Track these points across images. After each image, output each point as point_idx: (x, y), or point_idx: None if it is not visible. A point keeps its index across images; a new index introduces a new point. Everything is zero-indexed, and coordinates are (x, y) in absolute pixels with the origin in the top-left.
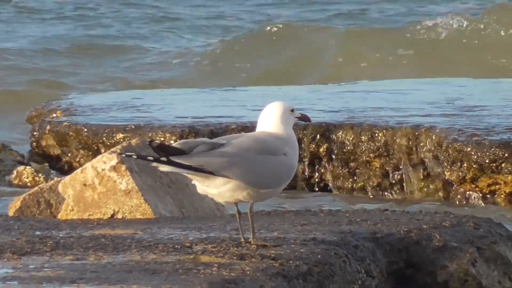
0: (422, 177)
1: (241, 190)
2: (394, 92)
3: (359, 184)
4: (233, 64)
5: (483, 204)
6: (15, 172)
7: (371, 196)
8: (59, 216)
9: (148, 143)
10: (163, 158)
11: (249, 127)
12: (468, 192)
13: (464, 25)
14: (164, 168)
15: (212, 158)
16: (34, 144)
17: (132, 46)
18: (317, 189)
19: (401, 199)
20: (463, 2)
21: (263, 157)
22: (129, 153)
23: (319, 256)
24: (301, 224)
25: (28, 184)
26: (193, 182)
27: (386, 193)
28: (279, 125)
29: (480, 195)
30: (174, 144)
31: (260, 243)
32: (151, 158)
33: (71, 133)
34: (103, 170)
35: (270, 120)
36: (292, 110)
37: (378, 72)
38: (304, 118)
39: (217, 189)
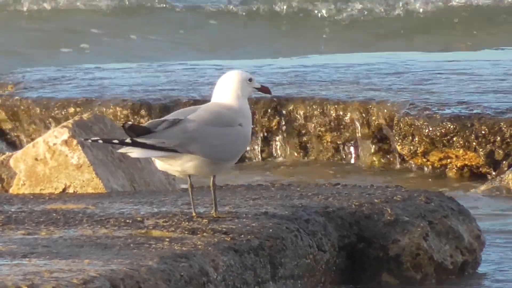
0: (373, 151)
1: (204, 165)
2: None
3: (311, 158)
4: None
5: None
6: None
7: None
8: (10, 191)
9: (122, 125)
10: (128, 140)
11: (200, 101)
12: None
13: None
14: (132, 154)
15: (173, 135)
16: None
17: None
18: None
19: (353, 173)
20: None
21: (222, 129)
22: (95, 138)
23: (271, 230)
24: (253, 199)
25: None
26: (153, 159)
27: (337, 167)
28: (233, 96)
29: (432, 168)
30: (143, 124)
31: (222, 216)
32: (116, 141)
33: (22, 107)
34: (54, 144)
35: (226, 90)
36: (250, 80)
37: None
38: (264, 89)
39: (181, 166)
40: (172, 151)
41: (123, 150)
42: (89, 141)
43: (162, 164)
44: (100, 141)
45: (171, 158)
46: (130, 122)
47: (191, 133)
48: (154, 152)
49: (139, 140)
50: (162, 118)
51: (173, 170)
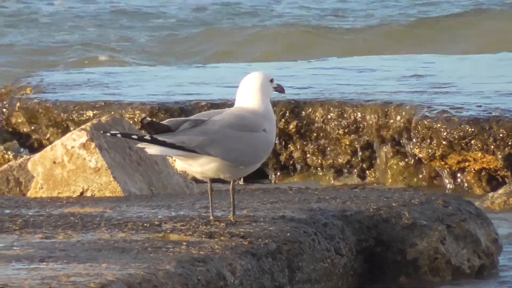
0: (392, 154)
1: (223, 168)
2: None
3: (328, 162)
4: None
5: (452, 182)
6: None
7: (340, 174)
8: (28, 194)
9: (140, 120)
10: (147, 137)
11: (219, 104)
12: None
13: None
14: (150, 150)
15: (194, 136)
16: (4, 121)
17: None
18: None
19: (371, 176)
20: None
21: (244, 134)
22: (114, 132)
23: (288, 234)
24: (271, 202)
25: None
26: (174, 158)
27: (355, 171)
28: (257, 99)
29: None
30: (162, 122)
31: (239, 220)
32: (135, 136)
33: (40, 110)
34: (72, 147)
35: (249, 93)
36: (271, 80)
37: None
38: (279, 89)
39: (200, 167)
40: (192, 151)
41: (141, 145)
42: (108, 134)
43: (182, 163)
44: (119, 135)
45: (190, 158)
46: (149, 119)
47: (212, 135)
48: (173, 151)
49: (159, 137)
50: (183, 118)
51: (193, 171)
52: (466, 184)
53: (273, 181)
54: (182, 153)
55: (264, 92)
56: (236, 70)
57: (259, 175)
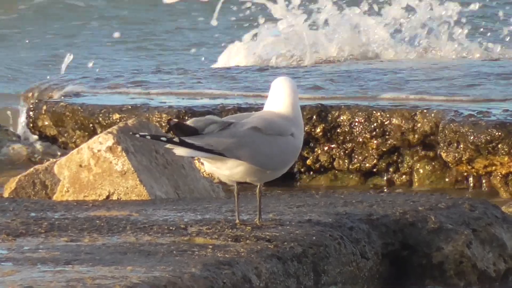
0: (418, 158)
1: (251, 172)
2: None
3: (355, 165)
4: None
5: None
6: (10, 152)
7: (366, 178)
8: (54, 198)
9: (167, 121)
10: (176, 139)
11: (245, 107)
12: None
13: None
14: (177, 151)
15: (222, 139)
16: (30, 124)
17: None
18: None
19: (398, 180)
20: None
21: (272, 137)
22: (143, 134)
23: (314, 237)
24: (297, 206)
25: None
26: (201, 161)
27: (382, 175)
28: (287, 104)
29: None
30: (187, 122)
31: (265, 224)
32: (164, 138)
33: (67, 113)
34: (99, 151)
35: (279, 97)
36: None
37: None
38: None
39: (229, 170)
40: (220, 154)
41: (169, 145)
42: (137, 135)
43: (210, 166)
44: (148, 137)
45: (218, 160)
46: (176, 120)
47: (240, 138)
48: (200, 153)
49: (188, 140)
50: (209, 118)
51: (220, 174)
52: (492, 188)
53: (299, 185)
54: (210, 155)
55: (293, 97)
56: (262, 74)
57: (285, 179)
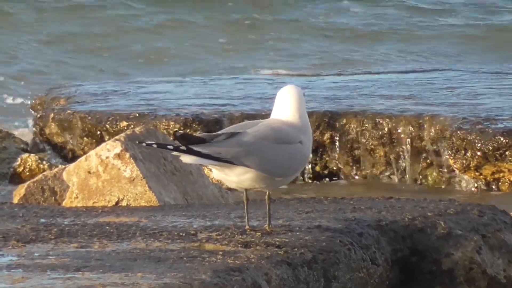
0: (425, 165)
1: (259, 179)
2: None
3: (363, 172)
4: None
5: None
6: (19, 159)
7: (374, 184)
8: (63, 204)
9: (173, 133)
10: (183, 147)
11: (252, 115)
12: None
13: None
14: (185, 158)
15: (230, 147)
16: (38, 132)
17: None
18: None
19: (405, 186)
20: None
21: (279, 146)
22: (149, 142)
23: (324, 243)
24: (306, 212)
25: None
26: (209, 167)
27: (390, 181)
28: (295, 112)
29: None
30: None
31: (275, 230)
32: (171, 147)
33: (74, 121)
34: (107, 157)
35: (286, 106)
36: (304, 94)
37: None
38: None
39: (237, 177)
40: (228, 162)
41: (176, 153)
42: (144, 144)
43: (218, 173)
44: (155, 145)
45: (226, 168)
46: (181, 131)
47: (248, 146)
48: (208, 161)
49: (195, 148)
50: (219, 132)
51: (229, 181)
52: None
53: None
54: (217, 163)
55: (301, 105)
56: (270, 82)
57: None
